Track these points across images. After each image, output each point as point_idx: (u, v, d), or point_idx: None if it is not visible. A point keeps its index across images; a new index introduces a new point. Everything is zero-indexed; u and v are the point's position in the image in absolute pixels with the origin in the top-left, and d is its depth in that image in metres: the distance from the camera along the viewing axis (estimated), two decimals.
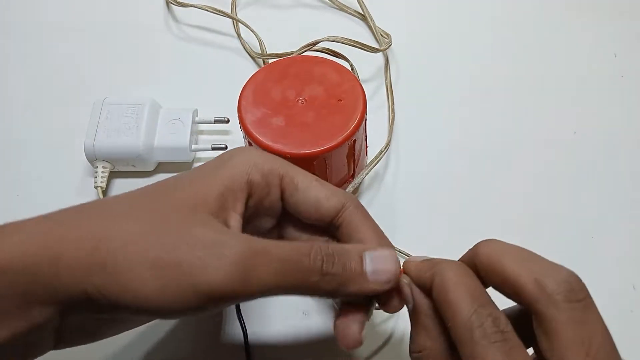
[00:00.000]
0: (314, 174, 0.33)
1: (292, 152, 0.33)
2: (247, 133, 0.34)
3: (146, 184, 0.27)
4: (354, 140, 0.35)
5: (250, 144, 0.35)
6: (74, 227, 0.23)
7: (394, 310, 0.26)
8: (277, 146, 0.33)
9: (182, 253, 0.22)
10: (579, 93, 0.45)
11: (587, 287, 0.31)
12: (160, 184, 0.26)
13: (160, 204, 0.24)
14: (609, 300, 0.35)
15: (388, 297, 0.25)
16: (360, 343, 0.25)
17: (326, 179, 0.35)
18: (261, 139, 0.34)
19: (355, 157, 0.37)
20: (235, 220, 0.25)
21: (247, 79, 0.36)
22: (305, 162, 0.33)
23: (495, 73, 0.47)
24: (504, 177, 0.41)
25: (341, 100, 0.35)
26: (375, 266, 0.24)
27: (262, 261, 0.22)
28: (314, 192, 0.26)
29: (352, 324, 0.25)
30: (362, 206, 0.28)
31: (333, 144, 0.33)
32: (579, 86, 0.46)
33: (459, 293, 0.22)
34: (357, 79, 0.37)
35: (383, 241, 0.27)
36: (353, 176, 0.38)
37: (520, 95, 0.45)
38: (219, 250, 0.22)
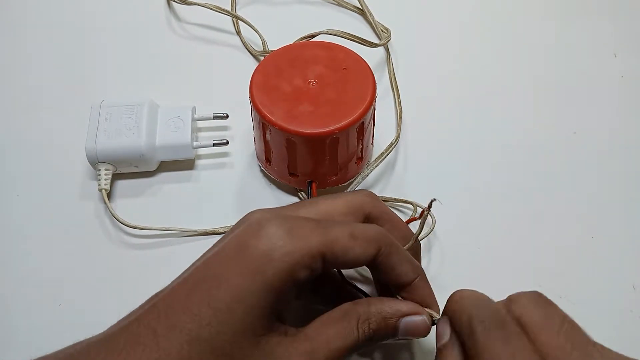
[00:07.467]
0: (345, 145, 0.36)
1: (325, 130, 0.34)
2: (280, 128, 0.34)
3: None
4: (375, 97, 0.37)
5: (288, 141, 0.35)
6: None
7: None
8: (309, 130, 0.34)
9: None
10: (579, 93, 0.45)
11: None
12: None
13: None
14: (609, 300, 0.35)
15: None
16: None
17: (362, 145, 0.37)
18: (293, 128, 0.34)
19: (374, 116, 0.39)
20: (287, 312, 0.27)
21: (249, 80, 0.36)
22: (344, 131, 0.35)
23: (494, 72, 0.47)
24: (504, 177, 0.41)
25: (345, 68, 0.37)
26: (406, 331, 0.28)
27: None
28: (352, 254, 0.27)
29: None
30: (394, 243, 0.28)
31: (365, 105, 0.35)
32: (579, 86, 0.46)
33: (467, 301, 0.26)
34: (345, 48, 0.38)
35: (418, 270, 0.29)
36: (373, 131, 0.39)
37: (520, 95, 0.45)
38: None
